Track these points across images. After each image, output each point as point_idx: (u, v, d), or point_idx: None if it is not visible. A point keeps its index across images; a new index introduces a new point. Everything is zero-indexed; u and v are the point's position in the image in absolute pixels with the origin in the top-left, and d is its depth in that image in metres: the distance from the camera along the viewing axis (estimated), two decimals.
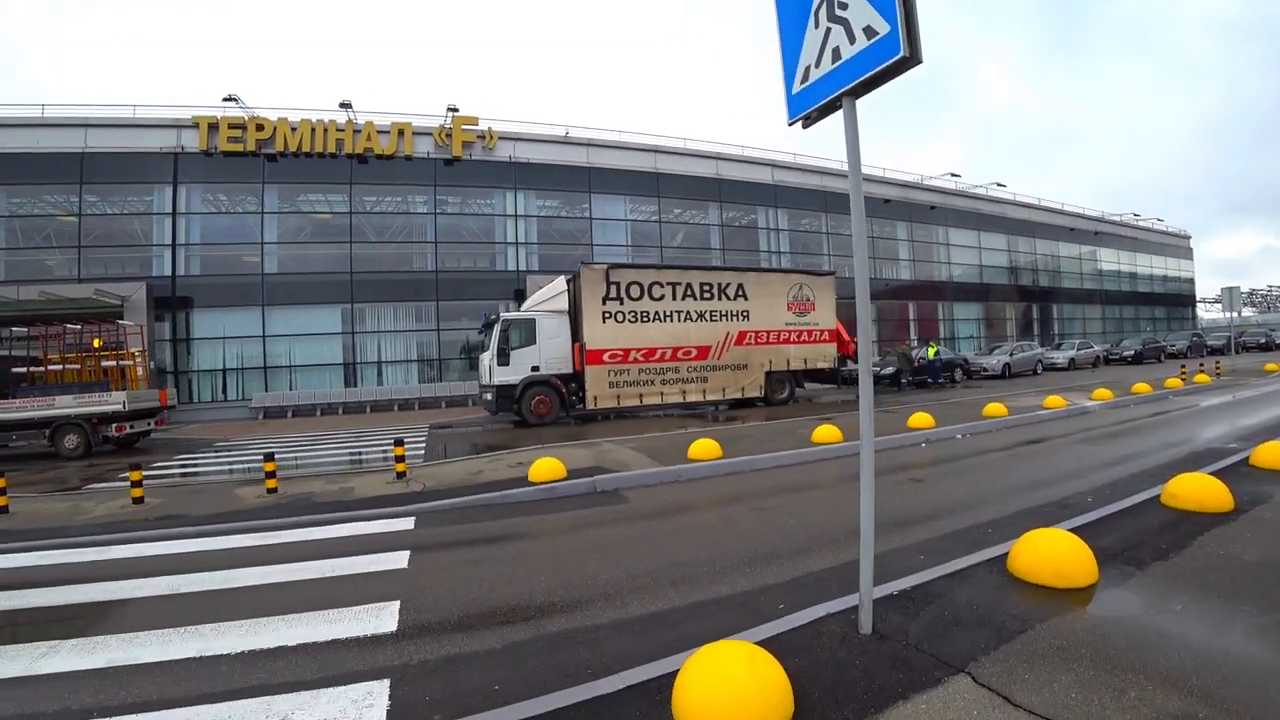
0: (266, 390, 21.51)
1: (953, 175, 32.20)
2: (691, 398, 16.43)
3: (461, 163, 23.35)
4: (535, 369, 15.40)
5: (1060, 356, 28.02)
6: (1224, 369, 21.22)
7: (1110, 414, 12.24)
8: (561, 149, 24.77)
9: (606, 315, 15.59)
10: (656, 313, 16.08)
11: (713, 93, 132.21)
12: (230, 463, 12.37)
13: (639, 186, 25.95)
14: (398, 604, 4.17)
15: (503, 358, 15.23)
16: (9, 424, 13.68)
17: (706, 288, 16.67)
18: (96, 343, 19.73)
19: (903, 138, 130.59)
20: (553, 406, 15.41)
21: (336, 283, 22.09)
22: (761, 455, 8.61)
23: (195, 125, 21.06)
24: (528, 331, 15.52)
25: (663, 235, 26.34)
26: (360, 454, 12.60)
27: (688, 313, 16.39)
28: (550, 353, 15.58)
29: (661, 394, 16.15)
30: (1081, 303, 41.53)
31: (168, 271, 21.04)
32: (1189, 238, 51.62)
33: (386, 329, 22.84)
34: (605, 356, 15.55)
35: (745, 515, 5.97)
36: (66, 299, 18.29)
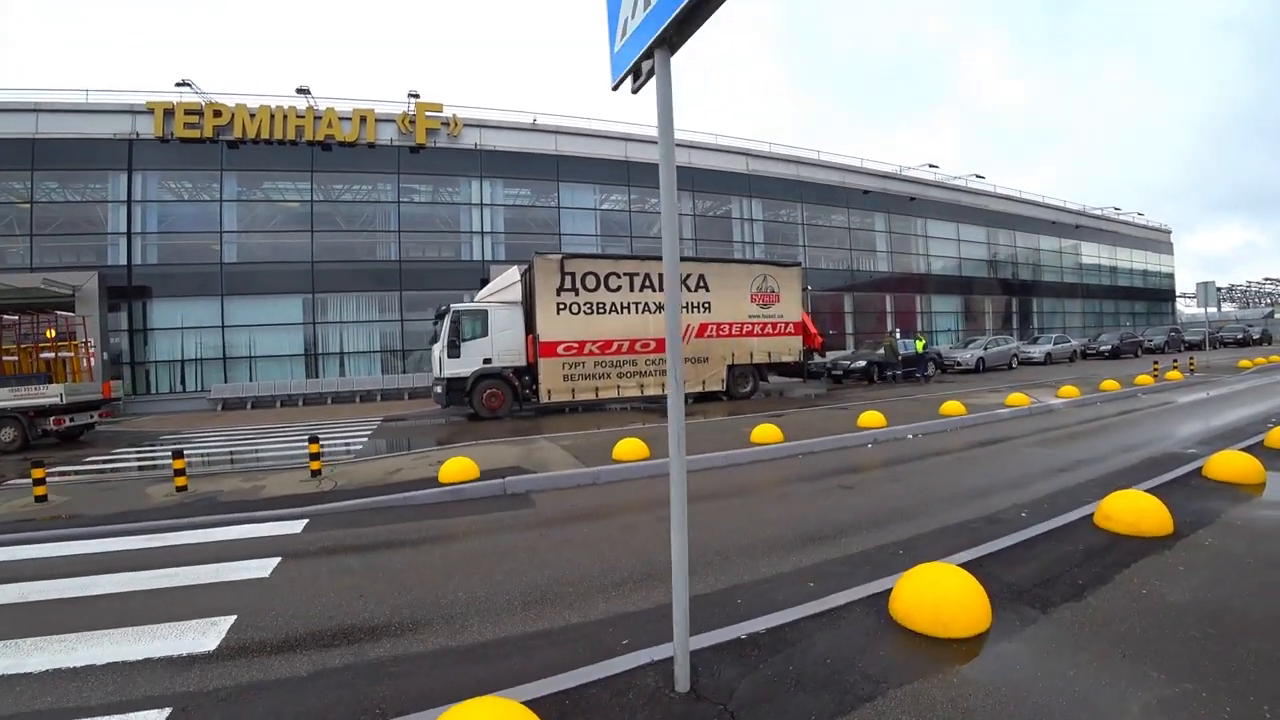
0: (226, 381, 21.10)
1: (930, 166, 31.94)
2: (650, 391, 16.10)
3: (426, 150, 22.87)
4: (487, 361, 15.09)
5: (1036, 351, 27.80)
6: (1198, 365, 21.04)
7: (1074, 413, 11.96)
8: (529, 136, 24.29)
9: (561, 306, 15.26)
10: (613, 304, 15.75)
11: (688, 83, 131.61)
12: (165, 458, 12.00)
13: (609, 175, 25.53)
14: (233, 619, 3.94)
15: (453, 349, 14.91)
16: None
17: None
18: (50, 333, 19.35)
19: (886, 129, 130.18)
20: (505, 400, 15.10)
21: (298, 272, 21.64)
22: (693, 456, 8.10)
23: (150, 111, 20.49)
24: (480, 323, 15.19)
25: (633, 225, 25.93)
26: (299, 449, 12.18)
27: (646, 304, 16.05)
28: (503, 345, 15.27)
29: (618, 387, 15.84)
30: (1062, 296, 41.36)
31: (123, 260, 20.56)
32: (1169, 232, 51.49)
33: (349, 319, 22.40)
34: (559, 349, 15.23)
35: (649, 525, 5.56)
36: (15, 288, 17.92)
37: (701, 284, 16.71)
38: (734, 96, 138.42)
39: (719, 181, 27.65)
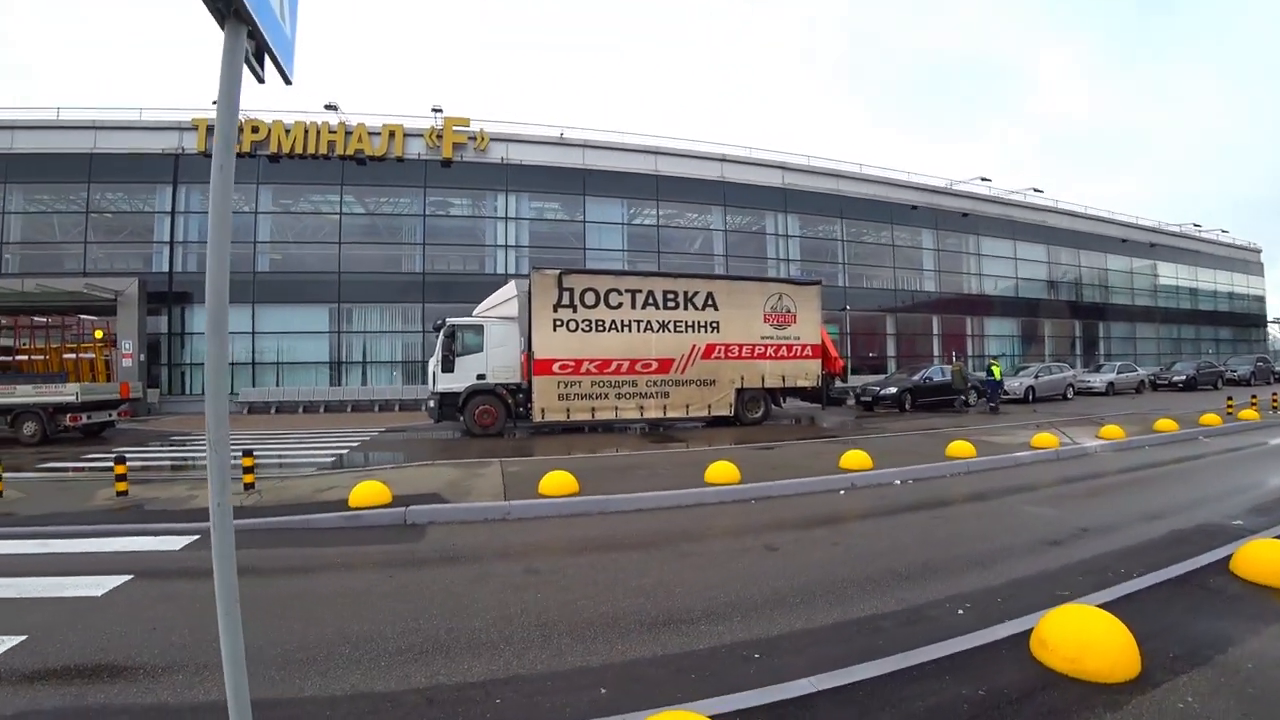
0: (254, 386, 21.77)
1: (983, 179, 29.90)
2: (650, 414, 15.45)
3: (453, 164, 23.08)
4: (481, 377, 14.83)
5: (1097, 380, 25.46)
6: (1263, 403, 18.47)
7: (1111, 459, 10.29)
8: (555, 150, 24.18)
9: (558, 323, 14.84)
10: (613, 322, 15.20)
11: (719, 93, 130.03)
12: (156, 457, 12.46)
13: (637, 189, 25.08)
14: (20, 640, 3.81)
15: (447, 364, 14.77)
16: None
17: (670, 296, 15.67)
18: (99, 333, 20.48)
19: (945, 141, 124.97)
20: (498, 417, 14.77)
21: (325, 282, 22.19)
22: (626, 495, 7.47)
23: (195, 127, 21.55)
24: (475, 338, 14.98)
25: (660, 240, 25.36)
26: (287, 456, 12.48)
27: (648, 322, 15.44)
28: (498, 361, 14.97)
29: (616, 409, 15.24)
30: (1134, 321, 38.06)
31: (165, 268, 21.60)
32: (1259, 251, 46.87)
33: (373, 329, 22.79)
34: (555, 367, 14.79)
35: (512, 577, 4.98)
36: (61, 291, 18.98)
37: (710, 302, 15.94)
38: (779, 106, 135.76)
39: (753, 196, 26.76)
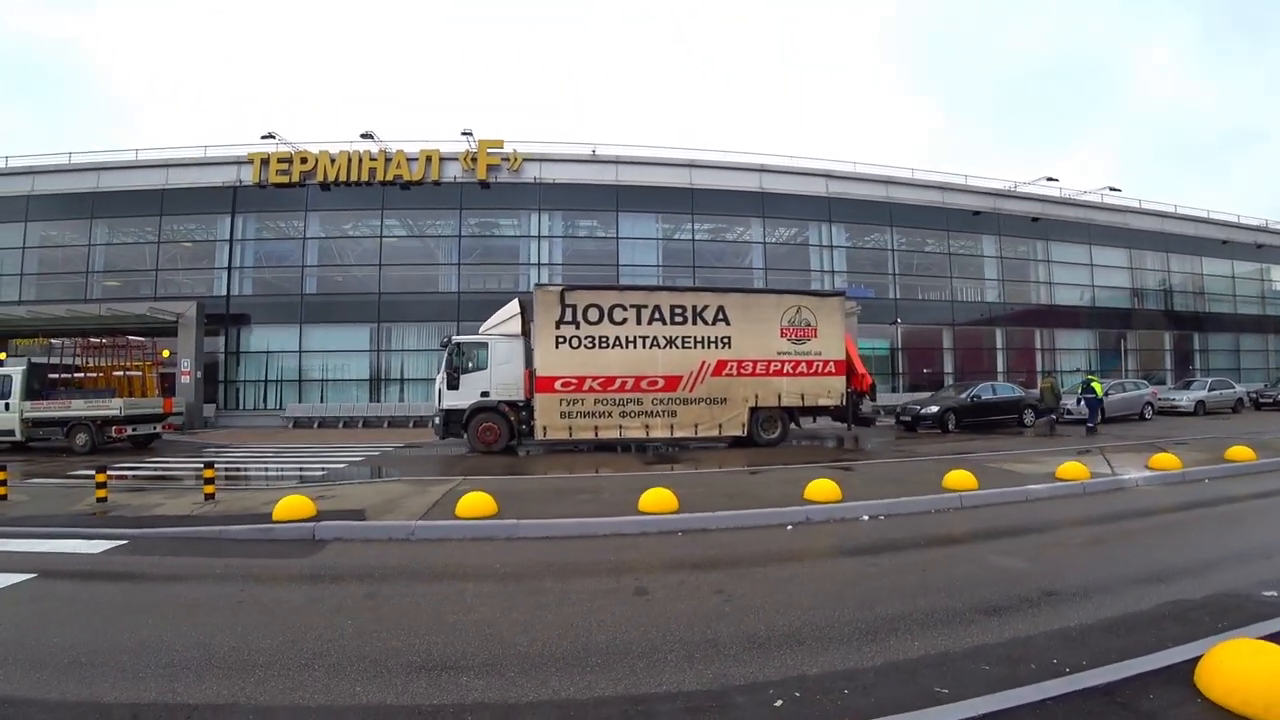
0: (300, 401, 22.90)
1: (1049, 179, 27.43)
2: (656, 433, 14.91)
3: (487, 186, 23.62)
4: (485, 394, 14.83)
5: (1184, 398, 22.69)
6: None
7: (1149, 496, 8.69)
8: (589, 168, 24.26)
9: (560, 340, 14.64)
10: (617, 338, 14.84)
11: (756, 100, 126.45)
12: (171, 468, 13.33)
13: (672, 203, 24.73)
14: None
15: (453, 381, 14.88)
16: (40, 421, 15.73)
17: (678, 311, 15.15)
18: (165, 353, 22.15)
19: (1039, 145, 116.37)
20: (500, 435, 14.70)
21: (366, 303, 23.14)
22: (537, 520, 7.10)
23: (250, 161, 23.14)
24: (479, 355, 15.05)
25: (696, 255, 24.84)
26: (288, 468, 13.12)
27: (654, 338, 14.97)
28: (501, 378, 14.95)
29: (620, 427, 14.81)
30: (1237, 331, 34.00)
31: (223, 291, 23.20)
32: None
33: (410, 348, 23.50)
34: (557, 384, 14.58)
35: (347, 603, 4.75)
36: (130, 315, 20.69)
37: (721, 316, 15.28)
38: (848, 111, 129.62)
39: (795, 206, 25.82)
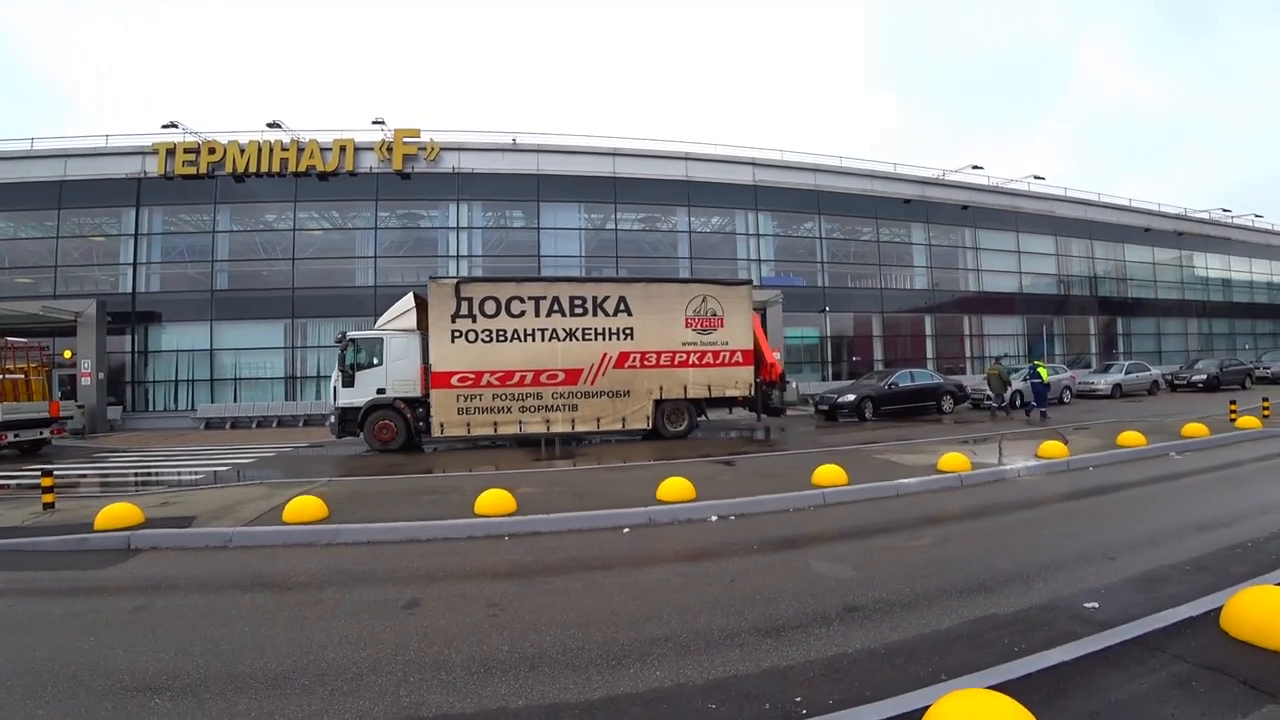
0: (213, 401, 22.10)
1: (975, 168, 27.69)
2: (557, 428, 14.64)
3: (403, 176, 22.98)
4: (381, 391, 14.46)
5: (1102, 382, 23.15)
6: None
7: (1027, 488, 8.45)
8: (509, 157, 23.74)
9: (456, 334, 14.26)
10: (515, 331, 14.51)
11: (682, 88, 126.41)
12: (62, 474, 12.51)
13: (595, 193, 24.36)
14: None
15: (348, 379, 14.49)
16: None
17: (578, 302, 14.86)
18: (67, 354, 21.21)
19: (986, 138, 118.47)
20: (398, 433, 14.36)
21: (280, 299, 22.39)
22: (360, 525, 6.88)
23: (155, 152, 22.14)
24: (374, 351, 14.64)
25: (619, 244, 24.54)
26: (166, 474, 12.68)
27: (553, 331, 14.68)
28: (397, 374, 14.57)
29: (520, 423, 14.51)
30: (1158, 316, 34.97)
31: (129, 288, 22.23)
32: None
33: (327, 344, 22.71)
34: (454, 380, 14.21)
35: (106, 617, 4.65)
36: (21, 314, 19.69)
37: (623, 307, 15.04)
38: (743, 103, 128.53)
39: (721, 195, 25.65)
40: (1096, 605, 4.08)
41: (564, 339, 14.73)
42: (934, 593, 4.51)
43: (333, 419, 14.70)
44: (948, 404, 19.80)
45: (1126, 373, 23.82)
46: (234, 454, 15.13)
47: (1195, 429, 11.78)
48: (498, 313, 14.53)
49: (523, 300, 14.68)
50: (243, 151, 22.19)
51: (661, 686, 3.28)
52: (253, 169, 22.21)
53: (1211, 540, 5.47)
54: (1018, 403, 19.46)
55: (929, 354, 27.99)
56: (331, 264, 23.64)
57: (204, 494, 9.15)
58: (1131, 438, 10.91)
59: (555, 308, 14.79)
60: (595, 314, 14.93)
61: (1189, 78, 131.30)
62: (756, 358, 16.19)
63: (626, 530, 6.93)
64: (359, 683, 3.43)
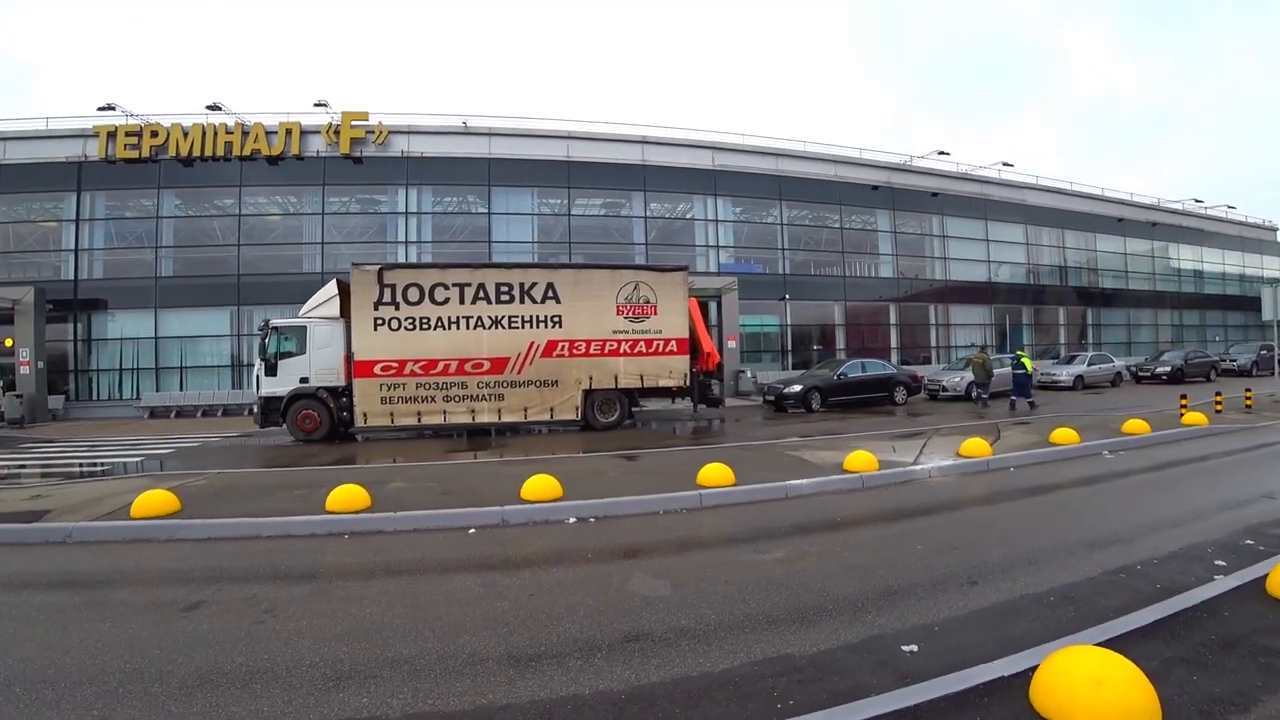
0: (157, 390, 21.75)
1: (941, 154, 27.16)
2: (482, 418, 14.35)
3: (351, 160, 22.46)
4: (304, 380, 14.18)
5: (1063, 373, 22.75)
6: (1257, 400, 15.66)
7: (932, 490, 7.90)
8: (460, 140, 23.21)
9: (379, 322, 13.95)
10: (439, 319, 14.20)
11: (639, 71, 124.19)
12: None
13: (549, 177, 23.85)
14: None
15: (270, 367, 14.18)
16: None
17: (504, 289, 14.51)
18: (8, 342, 20.84)
19: (966, 126, 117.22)
20: (321, 423, 14.07)
21: (226, 285, 21.95)
22: (202, 521, 6.67)
23: (96, 135, 21.62)
24: (297, 339, 14.36)
25: (573, 231, 24.06)
26: (83, 464, 12.51)
27: (479, 319, 14.35)
28: (321, 363, 14.26)
29: (444, 413, 14.22)
30: (1129, 307, 34.54)
31: (70, 275, 21.81)
32: (1275, 230, 42.04)
33: None
34: (377, 369, 13.91)
35: None
36: None
37: (551, 294, 14.68)
38: (701, 84, 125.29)
39: (679, 179, 25.10)
40: (916, 649, 3.47)
41: (489, 327, 14.40)
42: (740, 622, 3.96)
43: (255, 408, 14.44)
44: (900, 395, 19.45)
45: (1089, 364, 23.45)
46: (159, 444, 14.85)
47: (1136, 426, 11.35)
48: (421, 300, 14.21)
49: (447, 287, 14.34)
50: (186, 135, 21.66)
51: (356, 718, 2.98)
52: (196, 152, 21.67)
53: (1099, 562, 4.88)
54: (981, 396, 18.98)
55: (894, 344, 27.63)
56: (279, 250, 23.16)
57: (82, 487, 8.88)
58: (1065, 435, 10.41)
59: (481, 295, 14.44)
60: (522, 301, 14.57)
61: (1171, 67, 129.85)
62: (693, 347, 15.86)
63: (472, 531, 6.57)
64: (64, 692, 3.23)
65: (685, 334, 15.55)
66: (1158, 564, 4.80)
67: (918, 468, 8.80)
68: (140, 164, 21.73)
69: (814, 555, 5.46)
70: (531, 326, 14.56)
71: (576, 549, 5.92)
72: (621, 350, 15.06)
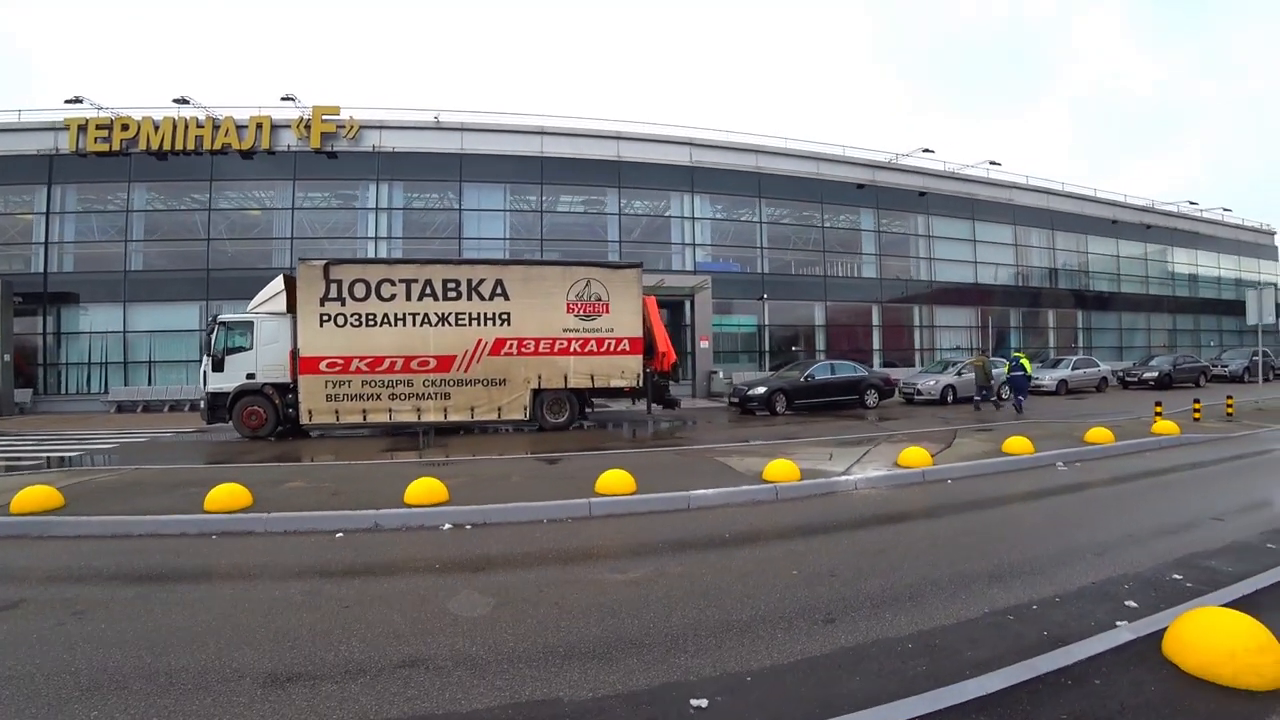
0: (125, 384, 21.71)
1: (925, 150, 26.52)
2: (428, 416, 14.11)
3: (324, 155, 22.32)
4: (250, 376, 14.04)
5: (1046, 377, 22.19)
6: (1239, 407, 15.06)
7: (852, 504, 7.31)
8: (432, 135, 22.99)
9: (325, 318, 13.76)
10: (386, 315, 13.97)
11: (616, 65, 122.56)
12: None
13: (521, 173, 23.58)
14: None
15: (217, 363, 14.03)
16: None
17: (452, 285, 14.25)
18: None
19: (971, 129, 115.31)
20: (267, 419, 13.91)
21: (194, 280, 21.87)
22: (75, 519, 6.54)
23: (68, 127, 21.59)
24: (245, 335, 14.23)
25: (546, 228, 23.76)
26: (40, 457, 12.33)
27: (425, 315, 14.11)
28: (267, 359, 14.10)
29: (390, 411, 14.00)
30: (1122, 310, 33.79)
31: (40, 269, 21.82)
32: (1273, 233, 41.02)
33: None
34: (322, 365, 13.71)
35: None
36: None
37: (499, 291, 14.40)
38: (681, 78, 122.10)
39: (654, 176, 24.73)
40: (705, 705, 2.99)
41: (436, 324, 14.16)
42: (535, 653, 3.59)
43: (203, 405, 14.28)
44: (872, 398, 18.94)
45: (1073, 368, 22.91)
46: (109, 439, 14.67)
47: (1100, 435, 10.69)
48: (368, 296, 13.99)
49: (394, 283, 14.11)
50: (157, 128, 21.57)
51: None
52: (167, 146, 21.59)
53: (992, 599, 4.22)
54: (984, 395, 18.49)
55: (876, 345, 27.17)
56: (249, 244, 23.10)
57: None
58: (1019, 445, 9.75)
59: (428, 291, 14.21)
60: (470, 298, 14.32)
61: (1183, 64, 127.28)
62: (648, 346, 15.54)
63: (340, 535, 6.30)
64: None
65: (639, 333, 15.23)
66: (1059, 603, 4.13)
67: (844, 478, 8.17)
68: (111, 157, 21.68)
69: (673, 577, 4.96)
70: (479, 324, 14.30)
71: (429, 558, 5.59)
72: (572, 349, 14.76)
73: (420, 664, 3.48)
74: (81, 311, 22.10)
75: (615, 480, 7.43)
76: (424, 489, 7.10)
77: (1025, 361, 17.10)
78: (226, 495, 6.88)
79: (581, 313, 14.82)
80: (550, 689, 3.20)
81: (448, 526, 6.51)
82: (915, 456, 8.84)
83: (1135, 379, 24.09)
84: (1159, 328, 34.97)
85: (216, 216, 22.59)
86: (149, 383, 21.93)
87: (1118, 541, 5.50)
